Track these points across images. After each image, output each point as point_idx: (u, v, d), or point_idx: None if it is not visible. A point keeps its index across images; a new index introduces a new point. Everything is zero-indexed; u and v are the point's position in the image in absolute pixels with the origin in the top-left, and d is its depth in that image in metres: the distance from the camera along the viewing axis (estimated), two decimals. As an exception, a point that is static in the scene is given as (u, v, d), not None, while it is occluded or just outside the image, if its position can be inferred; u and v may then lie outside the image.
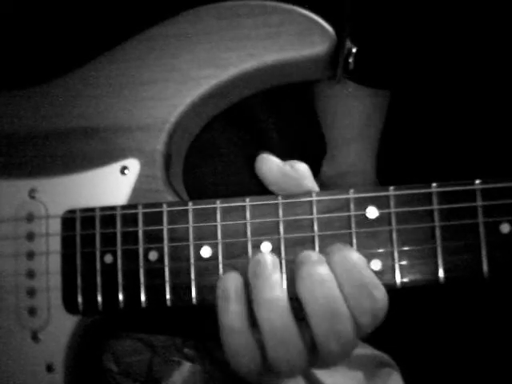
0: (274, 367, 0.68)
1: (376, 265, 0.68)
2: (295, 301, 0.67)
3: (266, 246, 0.70)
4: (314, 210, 0.69)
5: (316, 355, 0.69)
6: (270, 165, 0.72)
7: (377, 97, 1.06)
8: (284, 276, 0.69)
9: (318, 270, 0.66)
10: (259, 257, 0.68)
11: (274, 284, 0.67)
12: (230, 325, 0.68)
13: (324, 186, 1.07)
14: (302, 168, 0.72)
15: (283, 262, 0.70)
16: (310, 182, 0.72)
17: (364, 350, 1.07)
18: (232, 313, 0.68)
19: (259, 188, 0.88)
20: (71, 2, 0.89)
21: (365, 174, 1.09)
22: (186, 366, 0.93)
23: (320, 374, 0.96)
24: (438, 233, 0.67)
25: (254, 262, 0.68)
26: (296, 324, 0.67)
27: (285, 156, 0.76)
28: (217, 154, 0.93)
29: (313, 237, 0.69)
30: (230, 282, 0.68)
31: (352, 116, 1.07)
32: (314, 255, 0.68)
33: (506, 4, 1.36)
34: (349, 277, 0.66)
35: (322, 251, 0.69)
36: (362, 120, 1.07)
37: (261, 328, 0.67)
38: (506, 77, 1.41)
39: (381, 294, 0.66)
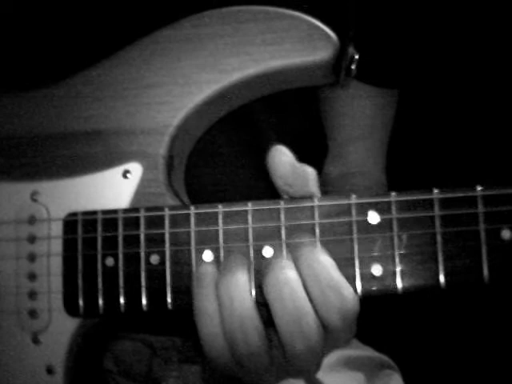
0: (232, 347, 0.68)
1: (377, 270, 0.68)
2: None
3: (268, 251, 0.70)
4: (316, 215, 0.69)
5: (284, 359, 0.69)
6: (283, 157, 0.72)
7: (384, 97, 1.05)
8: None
9: (283, 271, 0.67)
10: (231, 255, 0.70)
11: (238, 272, 0.68)
12: (202, 308, 0.69)
13: (330, 186, 1.07)
14: (311, 173, 0.72)
15: None
16: (315, 187, 0.72)
17: (364, 352, 1.07)
18: (205, 296, 0.69)
19: (259, 188, 0.88)
20: (75, 4, 0.89)
21: (373, 175, 1.09)
22: (186, 367, 0.93)
23: (321, 375, 0.96)
24: (439, 238, 0.67)
25: (225, 259, 0.70)
26: (255, 305, 0.68)
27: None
28: (217, 154, 0.94)
29: (314, 242, 0.69)
30: (206, 269, 0.70)
31: (358, 116, 1.06)
32: (281, 260, 0.69)
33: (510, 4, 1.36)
34: (315, 276, 0.67)
35: (291, 252, 0.69)
36: (368, 120, 1.07)
37: (220, 305, 0.68)
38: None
39: (349, 294, 0.67)
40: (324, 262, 0.67)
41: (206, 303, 0.68)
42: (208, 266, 0.70)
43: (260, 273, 0.69)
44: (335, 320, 0.66)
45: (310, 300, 0.67)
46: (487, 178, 0.70)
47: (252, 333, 0.67)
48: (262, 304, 0.69)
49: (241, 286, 0.68)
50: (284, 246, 0.70)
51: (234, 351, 0.68)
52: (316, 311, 0.67)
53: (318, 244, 0.69)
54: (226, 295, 0.67)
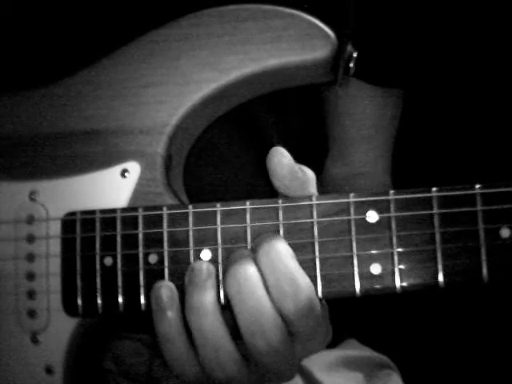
0: (208, 373, 0.69)
1: (376, 269, 0.68)
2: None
3: None
4: (314, 214, 0.69)
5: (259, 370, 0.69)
6: (281, 159, 0.72)
7: (385, 97, 1.05)
8: None
9: (243, 267, 0.67)
10: (194, 265, 0.70)
11: (204, 289, 0.68)
12: (165, 333, 0.69)
13: (330, 187, 1.07)
14: (309, 173, 0.72)
15: None
16: (313, 188, 0.72)
17: (363, 352, 1.07)
18: (166, 321, 0.69)
19: (259, 188, 0.88)
20: (74, 4, 0.89)
21: (374, 176, 1.08)
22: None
23: (319, 374, 0.97)
24: (437, 237, 0.67)
25: (189, 269, 0.70)
26: (226, 329, 0.68)
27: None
28: (217, 153, 0.94)
29: (313, 240, 0.69)
30: (162, 291, 0.69)
31: (359, 116, 1.06)
32: (241, 253, 0.69)
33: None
34: (272, 266, 0.67)
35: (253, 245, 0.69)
36: (370, 121, 1.06)
37: (192, 333, 0.68)
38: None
39: (304, 283, 0.66)
40: (280, 249, 0.67)
41: (169, 329, 0.69)
42: (168, 286, 0.69)
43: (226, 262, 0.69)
44: (289, 309, 0.66)
45: (267, 291, 0.67)
46: (486, 176, 0.70)
47: (227, 362, 0.68)
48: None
49: (207, 308, 0.68)
50: None
51: (208, 375, 0.69)
52: (274, 304, 0.67)
53: (316, 250, 0.69)
54: (196, 324, 0.68)
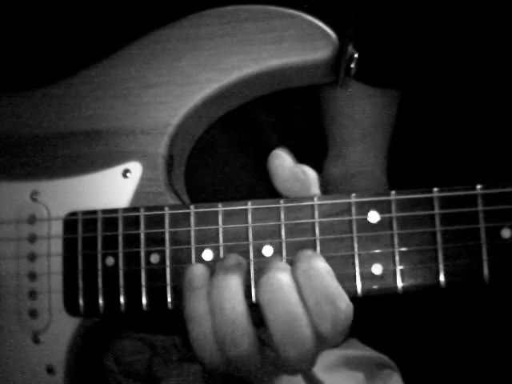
0: (222, 348, 0.68)
1: (377, 269, 0.68)
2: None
3: (268, 250, 0.70)
4: (316, 214, 0.69)
5: (276, 360, 0.69)
6: (282, 161, 0.72)
7: (384, 97, 1.05)
8: None
9: (278, 276, 0.67)
10: (226, 254, 0.70)
11: (232, 273, 0.68)
12: (193, 310, 0.68)
13: (330, 187, 1.07)
14: (311, 174, 0.72)
15: None
16: (315, 189, 0.72)
17: (364, 352, 1.07)
18: (196, 298, 0.68)
19: (259, 188, 0.88)
20: (75, 4, 0.89)
21: (373, 175, 1.08)
22: (186, 366, 0.93)
23: (321, 374, 0.97)
24: (439, 237, 0.67)
25: (222, 258, 0.70)
26: (246, 308, 0.67)
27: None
28: (217, 154, 0.94)
29: (314, 241, 0.69)
30: (196, 271, 0.69)
31: (358, 116, 1.06)
32: (277, 262, 0.68)
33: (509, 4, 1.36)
34: (311, 284, 0.66)
35: (290, 259, 0.69)
36: (368, 120, 1.06)
37: (212, 308, 0.68)
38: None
39: (344, 304, 0.66)
40: (321, 269, 0.67)
41: (196, 305, 0.68)
42: (199, 267, 0.69)
43: (259, 272, 0.69)
44: (328, 330, 0.66)
45: (305, 306, 0.66)
46: (487, 176, 0.70)
47: (242, 338, 0.67)
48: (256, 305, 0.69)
49: (233, 289, 0.67)
50: (284, 245, 0.70)
51: (225, 354, 0.68)
52: (310, 318, 0.66)
53: (318, 248, 0.69)
54: (218, 299, 0.67)
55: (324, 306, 0.66)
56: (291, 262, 0.68)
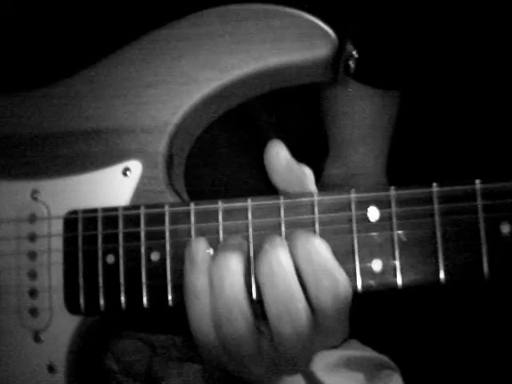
0: (217, 324, 0.68)
1: (377, 265, 0.68)
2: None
3: None
4: (316, 211, 0.70)
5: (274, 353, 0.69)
6: (279, 151, 0.72)
7: (384, 98, 1.05)
8: None
9: (276, 251, 0.67)
10: (229, 236, 0.70)
11: (233, 249, 0.68)
12: (192, 286, 0.69)
13: (330, 187, 1.07)
14: (307, 172, 0.73)
15: None
16: (312, 185, 0.72)
17: (364, 352, 1.07)
18: (196, 274, 0.69)
19: (259, 188, 0.88)
20: (74, 3, 0.89)
21: (373, 176, 1.09)
22: (186, 366, 0.93)
23: (321, 374, 0.97)
24: (438, 233, 0.67)
25: (224, 239, 0.70)
26: (245, 290, 0.68)
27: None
28: (216, 153, 0.94)
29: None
30: (199, 246, 0.69)
31: (358, 116, 1.06)
32: (275, 239, 0.68)
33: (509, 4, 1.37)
34: (310, 258, 0.67)
35: (287, 238, 0.69)
36: (368, 121, 1.07)
37: (211, 284, 0.68)
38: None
39: (343, 278, 0.67)
40: (319, 244, 0.67)
41: (196, 280, 0.68)
42: (201, 243, 0.70)
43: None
44: (327, 302, 0.66)
45: (302, 284, 0.67)
46: (484, 177, 0.70)
47: (238, 316, 0.67)
48: (258, 302, 0.69)
49: (232, 267, 0.68)
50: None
51: (219, 333, 0.68)
52: (307, 295, 0.67)
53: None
54: (217, 275, 0.67)
55: (324, 279, 0.66)
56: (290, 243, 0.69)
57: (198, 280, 0.68)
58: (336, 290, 0.66)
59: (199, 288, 0.68)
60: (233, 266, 0.67)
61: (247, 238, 0.70)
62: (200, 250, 0.69)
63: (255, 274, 0.68)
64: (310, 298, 0.67)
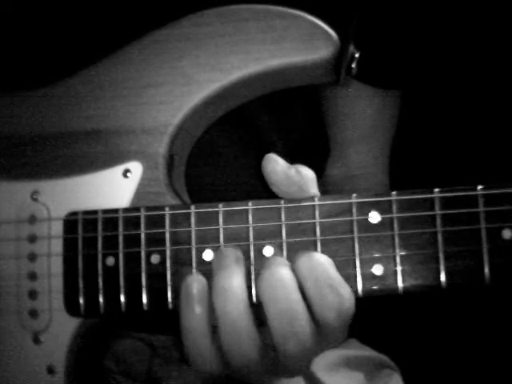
0: (228, 358, 0.68)
1: (378, 269, 0.68)
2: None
3: (269, 250, 0.70)
4: (317, 215, 0.69)
5: (276, 359, 0.69)
6: (274, 165, 0.71)
7: (385, 98, 1.05)
8: None
9: (279, 271, 0.67)
10: (222, 249, 0.70)
11: (233, 274, 0.67)
12: (190, 327, 0.68)
13: (331, 188, 1.07)
14: (307, 173, 0.72)
15: None
16: (314, 188, 0.72)
17: (364, 352, 1.07)
18: (193, 315, 0.68)
19: (259, 188, 0.88)
20: (75, 4, 0.89)
21: (374, 177, 1.08)
22: (186, 367, 0.93)
23: (321, 374, 0.97)
24: (439, 238, 0.67)
25: (218, 253, 0.69)
26: (251, 316, 0.67)
27: (285, 156, 0.76)
28: (216, 153, 0.94)
29: (315, 241, 0.69)
30: (193, 285, 0.69)
31: (359, 116, 1.06)
32: (277, 259, 0.68)
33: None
34: (314, 275, 0.66)
35: (291, 253, 0.69)
36: (369, 121, 1.06)
37: (217, 317, 0.67)
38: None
39: (347, 293, 0.66)
40: (322, 260, 0.67)
41: (195, 323, 0.68)
42: (196, 281, 0.69)
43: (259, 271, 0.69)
44: (331, 319, 0.66)
45: (305, 300, 0.66)
46: (488, 177, 0.70)
47: (249, 345, 0.67)
48: (257, 304, 0.69)
49: (237, 292, 0.67)
50: (285, 245, 0.70)
51: (228, 362, 0.68)
52: (311, 311, 0.66)
53: (319, 250, 0.69)
54: (221, 304, 0.67)
55: (328, 295, 0.66)
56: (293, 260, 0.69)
57: (196, 319, 0.68)
58: (340, 306, 0.66)
59: (200, 328, 0.68)
60: (233, 289, 0.67)
61: (248, 241, 0.70)
62: (195, 288, 0.68)
63: (257, 294, 0.68)
64: (314, 314, 0.66)
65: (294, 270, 0.67)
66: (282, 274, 0.67)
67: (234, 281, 0.67)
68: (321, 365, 0.98)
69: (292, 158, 0.74)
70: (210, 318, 0.68)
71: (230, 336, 0.67)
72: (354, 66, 0.75)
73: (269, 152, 0.73)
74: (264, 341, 0.68)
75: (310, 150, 1.05)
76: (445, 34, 1.25)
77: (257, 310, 0.68)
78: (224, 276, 0.67)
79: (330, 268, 0.67)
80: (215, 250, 0.71)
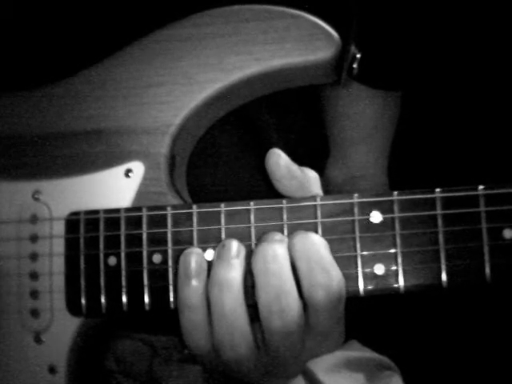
0: (219, 350, 0.69)
1: (379, 269, 0.68)
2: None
3: None
4: (319, 214, 0.70)
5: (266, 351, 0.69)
6: (278, 160, 0.72)
7: (385, 99, 1.05)
8: None
9: (273, 246, 0.67)
10: (225, 241, 0.70)
11: (231, 266, 0.68)
12: (186, 299, 0.69)
13: (332, 188, 1.07)
14: (311, 175, 0.72)
15: None
16: (316, 188, 0.72)
17: (364, 353, 1.07)
18: (190, 288, 0.69)
19: (259, 188, 0.88)
20: (75, 4, 0.89)
21: (374, 177, 1.09)
22: (187, 367, 0.93)
23: (321, 375, 0.97)
24: (441, 238, 0.67)
25: (220, 245, 0.70)
26: (245, 310, 0.68)
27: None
28: (217, 154, 0.94)
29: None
30: (192, 258, 0.69)
31: (359, 117, 1.06)
32: (274, 235, 0.69)
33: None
34: (307, 254, 0.67)
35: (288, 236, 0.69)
36: (369, 122, 1.06)
37: (211, 307, 0.68)
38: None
39: (337, 275, 0.67)
40: (317, 241, 0.68)
41: (191, 296, 0.68)
42: (195, 255, 0.69)
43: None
44: (319, 297, 0.66)
45: (296, 279, 0.67)
46: (488, 176, 0.70)
47: (240, 340, 0.68)
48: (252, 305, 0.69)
49: (234, 288, 0.68)
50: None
51: (220, 355, 0.69)
52: (300, 291, 0.67)
53: (285, 235, 0.69)
54: (218, 296, 0.67)
55: (318, 274, 0.66)
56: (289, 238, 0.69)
57: (192, 293, 0.68)
58: (329, 287, 0.66)
59: (194, 302, 0.68)
60: (231, 282, 0.67)
61: (250, 240, 0.70)
62: (193, 261, 0.69)
63: (251, 264, 0.68)
64: (303, 294, 0.67)
65: (288, 248, 0.68)
66: (276, 248, 0.67)
67: (231, 273, 0.68)
68: (321, 366, 0.98)
69: (292, 158, 0.74)
70: (206, 294, 0.69)
71: (223, 328, 0.67)
72: (355, 66, 0.75)
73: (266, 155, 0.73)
74: (257, 337, 0.69)
75: (310, 150, 1.05)
76: (445, 35, 1.26)
77: (253, 310, 0.69)
78: (223, 266, 0.68)
79: (324, 249, 0.67)
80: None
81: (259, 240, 0.69)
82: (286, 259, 0.67)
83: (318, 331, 0.68)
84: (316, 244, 0.67)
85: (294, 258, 0.67)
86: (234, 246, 0.69)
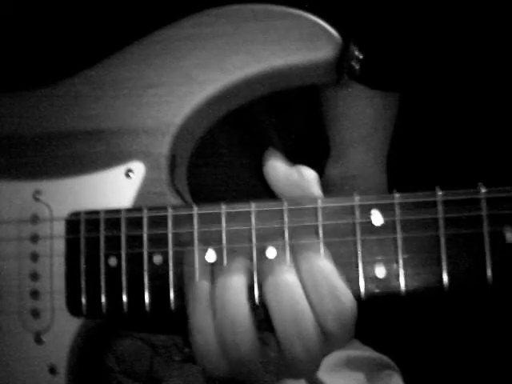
0: (226, 352, 0.68)
1: (380, 271, 0.68)
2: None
3: (271, 252, 0.70)
4: (319, 216, 0.69)
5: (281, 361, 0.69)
6: (274, 162, 0.72)
7: (384, 99, 1.05)
8: None
9: (284, 275, 0.67)
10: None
11: (235, 271, 0.68)
12: (198, 324, 0.69)
13: (331, 188, 1.07)
14: (309, 174, 0.72)
15: None
16: (316, 190, 0.72)
17: (364, 352, 1.07)
18: (200, 313, 0.68)
19: (259, 188, 0.88)
20: (75, 4, 0.89)
21: (373, 177, 1.09)
22: (187, 367, 0.93)
23: (321, 374, 0.97)
24: (442, 240, 0.67)
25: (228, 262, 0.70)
26: (249, 307, 0.68)
27: (286, 157, 0.77)
28: (217, 154, 0.93)
29: (318, 243, 0.69)
30: (202, 285, 0.69)
31: (358, 117, 1.06)
32: (281, 262, 0.69)
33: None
34: (315, 283, 0.67)
35: (294, 255, 0.69)
36: (369, 122, 1.06)
37: (215, 312, 0.68)
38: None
39: (347, 300, 0.67)
40: (324, 268, 0.67)
41: (201, 321, 0.68)
42: (205, 282, 0.70)
43: (262, 274, 0.69)
44: (332, 326, 0.66)
45: (310, 304, 0.67)
46: (488, 177, 0.70)
47: (243, 339, 0.67)
48: (262, 305, 0.69)
49: (236, 290, 0.68)
50: (287, 246, 0.70)
51: (226, 357, 0.68)
52: (315, 315, 0.67)
53: (321, 248, 0.69)
54: (220, 298, 0.68)
55: (328, 303, 0.66)
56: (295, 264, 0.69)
57: (204, 316, 0.69)
58: (340, 314, 0.66)
59: (205, 325, 0.68)
60: (236, 288, 0.68)
61: (250, 242, 0.70)
62: (204, 287, 0.69)
63: (263, 299, 0.68)
64: (317, 319, 0.67)
65: (297, 274, 0.68)
66: (287, 279, 0.67)
67: (235, 281, 0.68)
68: (322, 365, 0.98)
69: (292, 158, 0.74)
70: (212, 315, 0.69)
71: (227, 332, 0.67)
72: (356, 66, 0.75)
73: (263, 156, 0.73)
74: (265, 341, 0.69)
75: (310, 150, 1.05)
76: (444, 36, 1.26)
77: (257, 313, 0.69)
78: (228, 275, 0.68)
79: (331, 275, 0.67)
80: (218, 251, 0.71)
81: (267, 270, 0.69)
82: (298, 287, 0.67)
83: (332, 342, 0.69)
84: (323, 270, 0.67)
85: (304, 285, 0.67)
86: (240, 259, 0.70)
